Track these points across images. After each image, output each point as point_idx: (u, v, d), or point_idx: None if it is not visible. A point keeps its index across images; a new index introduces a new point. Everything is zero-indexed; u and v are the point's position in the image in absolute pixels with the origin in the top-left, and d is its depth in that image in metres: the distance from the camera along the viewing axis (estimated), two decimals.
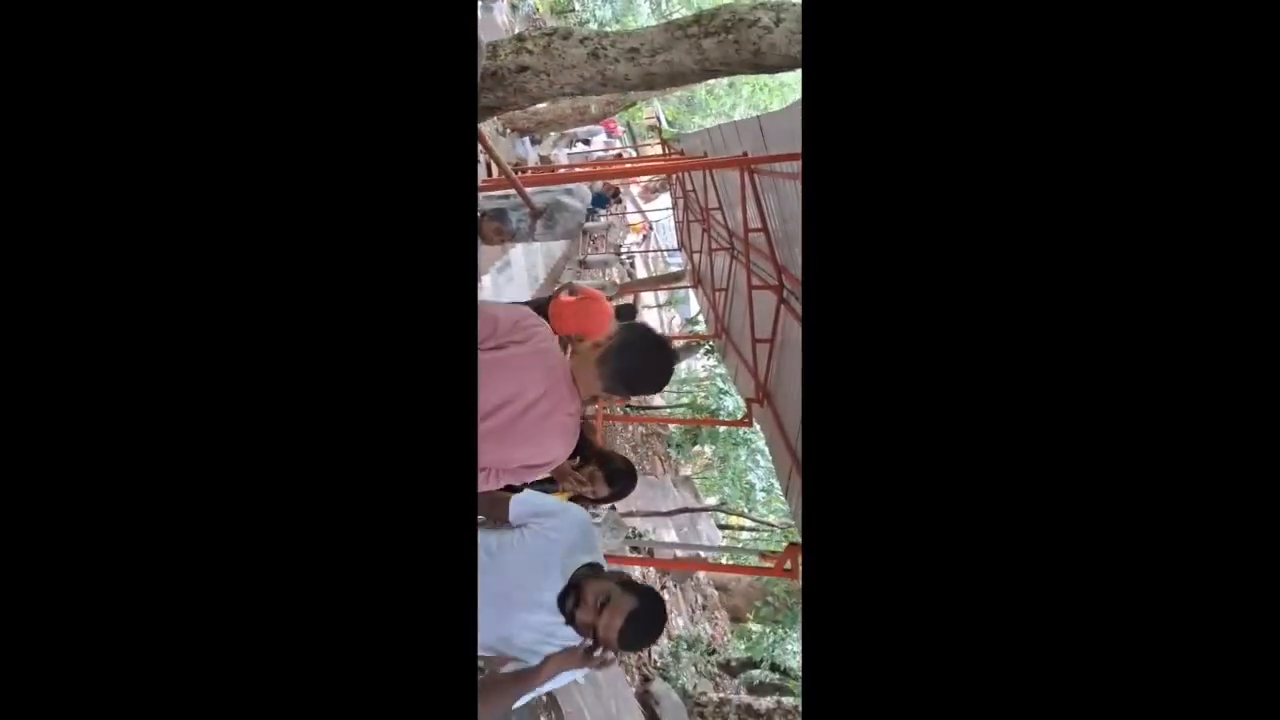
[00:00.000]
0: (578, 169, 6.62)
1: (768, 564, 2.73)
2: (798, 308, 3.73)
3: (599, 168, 6.73)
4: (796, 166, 2.95)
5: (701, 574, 7.13)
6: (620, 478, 1.86)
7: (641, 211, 13.74)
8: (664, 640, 5.34)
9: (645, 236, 14.17)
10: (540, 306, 4.58)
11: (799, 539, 3.64)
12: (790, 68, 2.24)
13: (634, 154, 11.69)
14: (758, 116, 3.57)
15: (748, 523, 9.65)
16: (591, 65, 2.52)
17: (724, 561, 5.03)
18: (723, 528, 9.23)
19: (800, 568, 2.78)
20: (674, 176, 8.39)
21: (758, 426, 4.52)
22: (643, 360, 1.27)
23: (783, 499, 8.71)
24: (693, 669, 5.23)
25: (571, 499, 1.90)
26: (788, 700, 4.85)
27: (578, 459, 1.77)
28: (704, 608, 7.24)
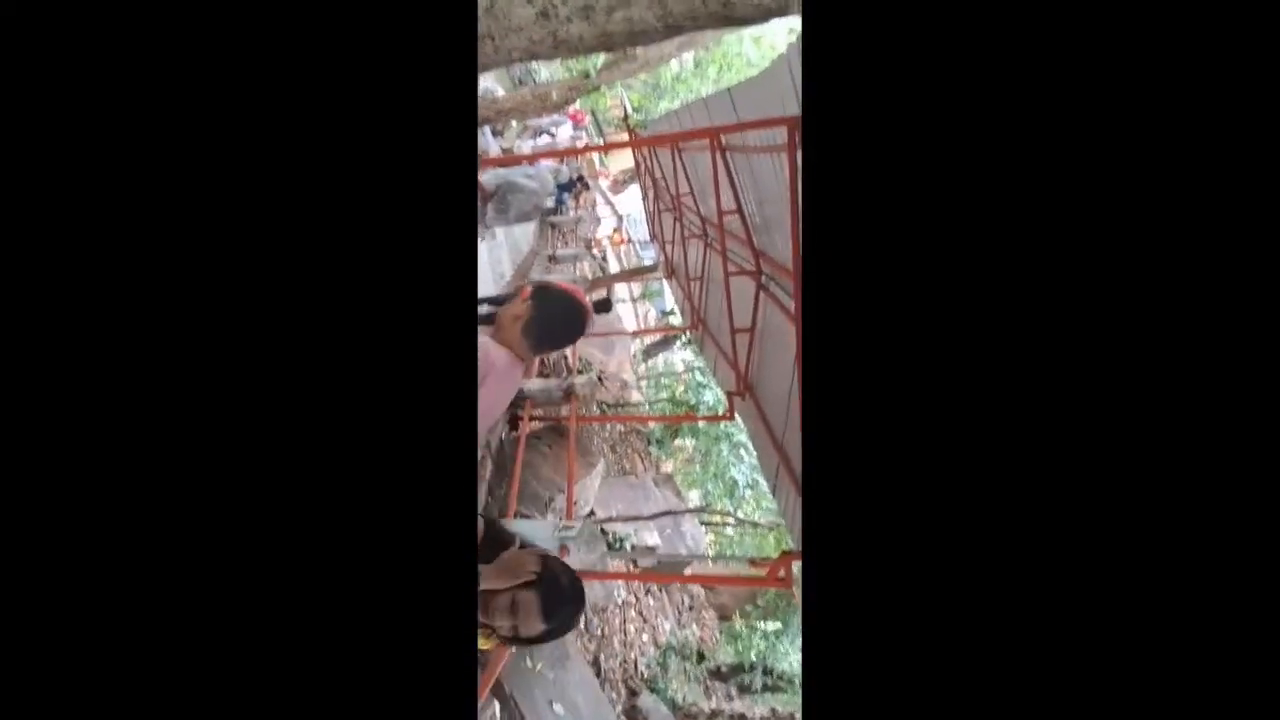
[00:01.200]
0: (541, 156, 6.32)
1: (759, 571, 2.51)
2: (778, 294, 3.52)
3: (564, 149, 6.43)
4: (774, 137, 2.72)
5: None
6: (561, 607, 1.15)
7: (610, 203, 13.47)
8: (650, 649, 5.11)
9: (617, 228, 13.90)
10: (505, 302, 4.35)
11: (789, 539, 3.43)
12: (763, 18, 1.98)
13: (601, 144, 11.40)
14: (729, 89, 3.33)
15: (732, 519, 9.42)
16: (541, 26, 2.24)
17: (713, 568, 4.79)
18: (706, 524, 8.97)
19: (794, 577, 2.59)
20: (643, 167, 8.15)
21: (740, 420, 4.31)
22: (561, 322, 1.43)
23: (768, 495, 8.52)
24: (682, 677, 5.00)
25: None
26: (782, 707, 4.65)
27: (508, 592, 1.14)
28: (690, 608, 7.05)
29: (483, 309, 4.25)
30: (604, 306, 4.97)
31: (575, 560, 3.01)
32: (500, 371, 1.37)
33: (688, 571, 5.92)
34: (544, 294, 1.44)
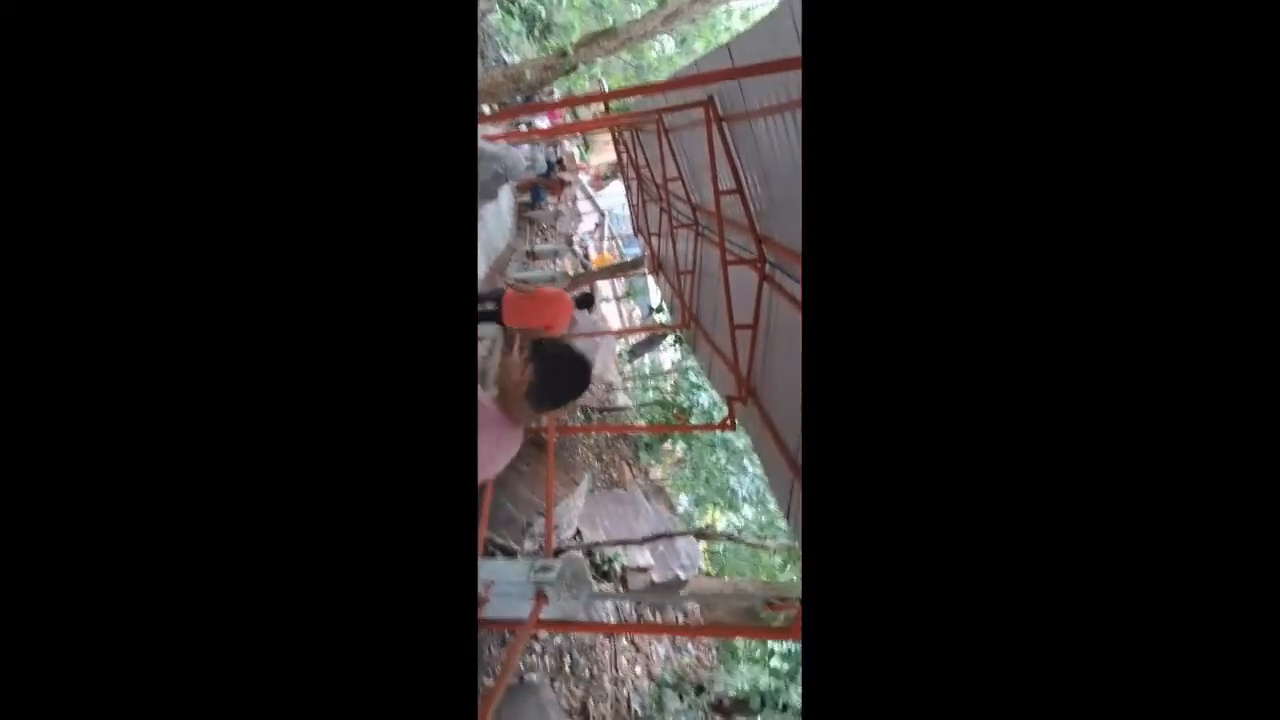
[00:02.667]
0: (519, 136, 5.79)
1: (779, 615, 2.09)
2: (785, 284, 3.05)
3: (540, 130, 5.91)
4: (785, 92, 2.25)
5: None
6: None
7: (591, 198, 12.96)
8: (645, 683, 4.61)
9: (598, 232, 13.40)
10: (493, 298, 3.84)
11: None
12: None
13: (580, 138, 10.90)
14: (726, 44, 2.85)
15: (728, 532, 8.89)
16: None
17: (722, 618, 4.23)
18: (701, 536, 8.43)
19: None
20: (625, 157, 7.68)
21: (741, 429, 3.84)
22: (565, 382, 1.36)
23: (773, 505, 7.95)
24: (680, 716, 4.51)
25: None
26: None
27: None
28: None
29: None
30: (586, 302, 4.50)
31: (555, 609, 2.50)
32: (486, 415, 1.29)
33: (685, 599, 5.40)
34: (542, 353, 1.37)
